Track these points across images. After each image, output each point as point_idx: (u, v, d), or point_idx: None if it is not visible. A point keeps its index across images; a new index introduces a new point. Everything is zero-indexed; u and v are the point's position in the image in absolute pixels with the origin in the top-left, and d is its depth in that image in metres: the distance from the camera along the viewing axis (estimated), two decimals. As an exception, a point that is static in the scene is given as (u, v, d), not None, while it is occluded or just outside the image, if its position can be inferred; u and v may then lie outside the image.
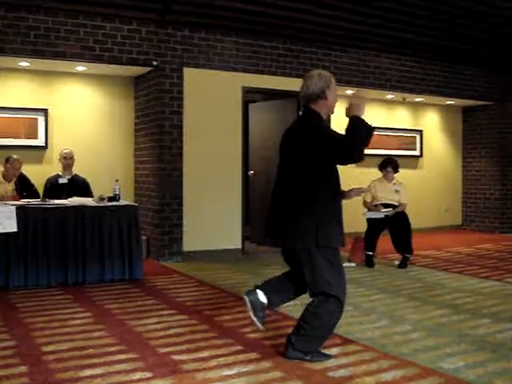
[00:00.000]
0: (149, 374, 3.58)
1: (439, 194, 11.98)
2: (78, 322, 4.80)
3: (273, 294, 3.93)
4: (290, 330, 4.51)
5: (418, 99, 11.12)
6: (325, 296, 3.70)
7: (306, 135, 3.71)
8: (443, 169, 12.09)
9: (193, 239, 8.08)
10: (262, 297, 3.86)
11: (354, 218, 9.40)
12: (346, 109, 3.67)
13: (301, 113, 4.00)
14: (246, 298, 3.88)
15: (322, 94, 3.75)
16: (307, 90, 3.79)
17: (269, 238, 4.11)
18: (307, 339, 3.80)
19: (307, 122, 3.82)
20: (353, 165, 9.45)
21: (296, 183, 3.74)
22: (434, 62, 10.51)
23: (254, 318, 3.87)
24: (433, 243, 9.84)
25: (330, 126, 3.93)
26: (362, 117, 3.58)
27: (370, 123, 3.57)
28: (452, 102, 11.61)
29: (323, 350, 3.95)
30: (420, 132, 11.71)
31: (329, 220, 3.70)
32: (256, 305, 3.85)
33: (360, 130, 3.56)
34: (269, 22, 8.35)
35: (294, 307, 5.17)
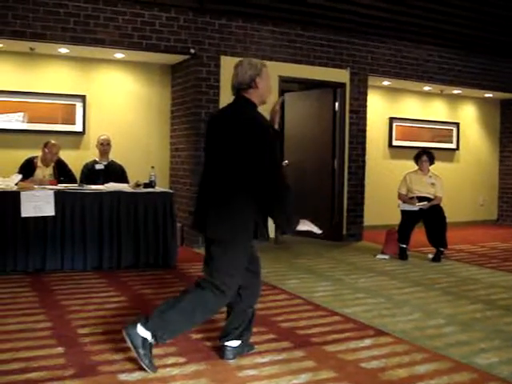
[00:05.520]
0: (182, 360, 3.62)
1: (475, 187, 11.81)
2: (113, 305, 4.88)
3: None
4: (322, 320, 4.55)
5: (455, 91, 10.98)
6: None
7: (246, 130, 3.42)
8: (480, 162, 11.91)
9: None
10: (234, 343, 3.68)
11: (387, 209, 9.40)
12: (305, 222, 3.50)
13: (233, 100, 3.67)
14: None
15: (252, 83, 3.53)
16: (237, 78, 3.58)
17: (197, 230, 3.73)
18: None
19: (244, 112, 3.54)
20: (387, 158, 9.45)
21: (235, 176, 3.42)
22: (474, 54, 10.35)
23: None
24: (467, 237, 9.72)
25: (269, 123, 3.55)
26: (300, 227, 3.42)
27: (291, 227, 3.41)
28: (490, 95, 11.42)
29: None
30: (457, 125, 11.54)
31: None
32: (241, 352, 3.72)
33: (288, 213, 3.38)
34: (307, 11, 8.31)
35: (325, 297, 5.19)
